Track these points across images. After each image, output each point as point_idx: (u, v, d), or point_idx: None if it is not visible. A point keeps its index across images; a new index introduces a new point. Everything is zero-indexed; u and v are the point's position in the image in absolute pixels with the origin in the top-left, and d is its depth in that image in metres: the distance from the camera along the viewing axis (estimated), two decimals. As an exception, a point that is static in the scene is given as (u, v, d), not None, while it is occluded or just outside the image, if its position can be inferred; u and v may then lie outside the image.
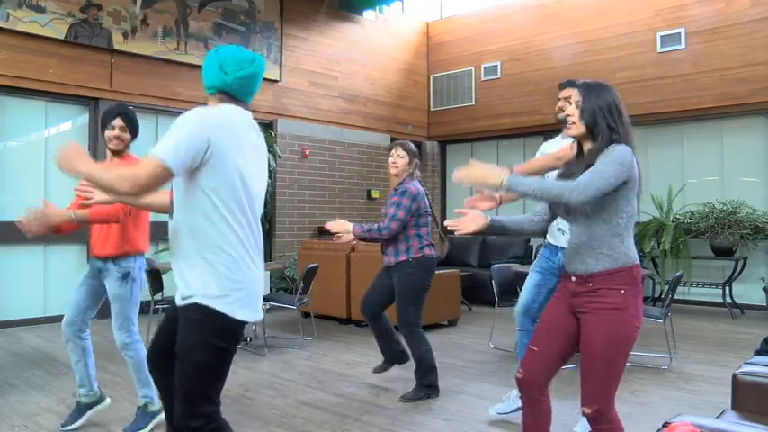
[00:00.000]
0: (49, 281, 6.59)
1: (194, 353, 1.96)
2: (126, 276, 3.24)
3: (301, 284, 5.56)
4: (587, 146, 2.28)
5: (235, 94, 2.13)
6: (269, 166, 7.79)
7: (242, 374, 4.51)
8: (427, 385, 3.95)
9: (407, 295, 3.91)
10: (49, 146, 6.62)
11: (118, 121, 3.28)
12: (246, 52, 2.17)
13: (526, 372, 2.31)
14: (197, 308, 1.97)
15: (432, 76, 10.71)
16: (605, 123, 2.21)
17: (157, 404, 3.30)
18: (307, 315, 6.20)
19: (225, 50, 2.15)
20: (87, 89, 6.79)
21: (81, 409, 3.36)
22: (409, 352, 4.05)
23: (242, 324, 2.04)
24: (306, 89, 8.93)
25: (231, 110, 2.09)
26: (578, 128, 2.25)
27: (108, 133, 3.28)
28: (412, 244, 3.91)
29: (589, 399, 2.15)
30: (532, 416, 2.34)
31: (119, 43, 6.95)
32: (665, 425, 1.75)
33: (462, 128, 10.30)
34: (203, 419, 1.95)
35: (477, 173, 2.15)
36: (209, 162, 1.95)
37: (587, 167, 2.15)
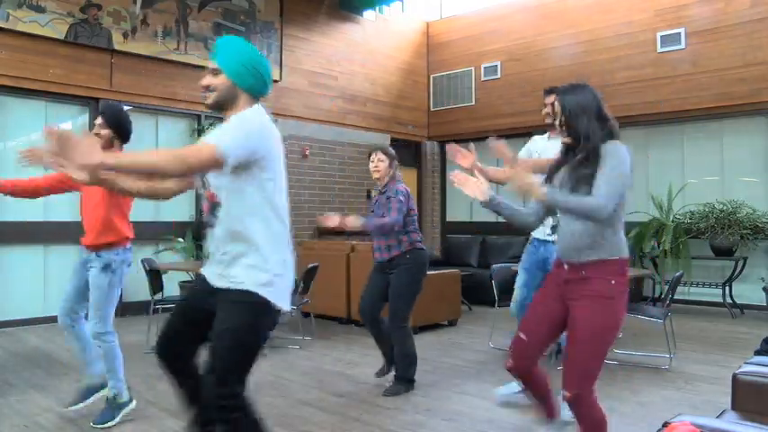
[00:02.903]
0: (49, 281, 6.59)
1: (238, 333, 2.10)
2: (106, 268, 3.26)
3: (301, 284, 5.56)
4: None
5: (259, 98, 2.28)
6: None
7: (242, 374, 4.50)
8: (408, 380, 4.09)
9: (403, 289, 4.03)
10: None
11: (98, 120, 3.33)
12: (268, 65, 2.28)
13: (515, 360, 2.42)
14: (246, 293, 2.11)
15: (432, 75, 10.71)
16: (585, 123, 2.27)
17: (126, 396, 3.38)
18: (307, 315, 6.21)
19: (263, 61, 2.24)
20: (87, 89, 6.79)
21: (88, 391, 3.46)
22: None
23: (279, 313, 2.20)
24: (306, 89, 8.93)
25: (265, 113, 2.23)
26: (566, 134, 2.35)
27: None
28: (403, 239, 4.07)
29: (570, 383, 2.22)
30: (533, 391, 2.48)
31: (119, 43, 6.95)
32: (665, 425, 1.75)
33: (462, 128, 10.30)
34: (235, 399, 2.09)
35: (522, 182, 2.25)
36: (261, 163, 2.11)
37: (580, 165, 2.25)
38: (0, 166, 6.35)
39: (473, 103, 10.13)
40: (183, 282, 6.90)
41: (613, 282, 2.24)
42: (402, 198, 4.03)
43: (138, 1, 7.07)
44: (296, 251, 8.73)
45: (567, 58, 8.90)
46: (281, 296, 2.17)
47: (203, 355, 2.22)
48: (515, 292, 3.90)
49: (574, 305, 2.27)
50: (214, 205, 2.20)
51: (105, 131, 3.31)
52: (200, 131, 7.62)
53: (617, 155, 2.22)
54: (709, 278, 7.71)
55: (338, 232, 8.41)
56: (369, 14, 9.77)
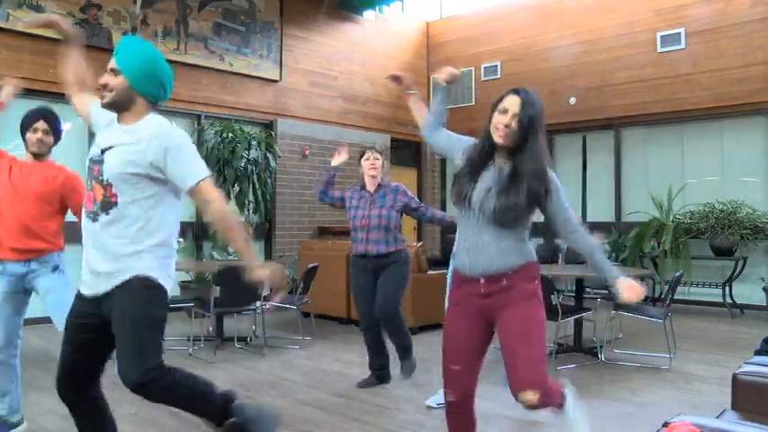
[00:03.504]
0: (49, 281, 6.58)
1: (133, 313, 2.13)
2: (56, 269, 3.20)
3: (301, 284, 5.56)
4: (504, 150, 2.24)
5: (157, 104, 2.33)
6: (269, 165, 7.81)
7: (242, 374, 4.51)
8: (411, 357, 4.23)
9: (400, 282, 4.17)
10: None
11: (41, 124, 3.21)
12: (169, 72, 2.35)
13: (457, 392, 2.41)
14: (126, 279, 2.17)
15: (432, 76, 10.67)
16: (534, 140, 2.19)
17: (17, 416, 3.19)
18: (307, 315, 6.20)
19: (165, 68, 2.29)
20: (87, 89, 6.78)
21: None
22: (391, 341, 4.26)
23: (163, 287, 2.24)
24: (306, 89, 8.93)
25: (167, 122, 2.31)
26: (512, 139, 2.19)
27: (30, 136, 3.20)
28: (399, 238, 4.22)
29: (528, 381, 2.17)
30: (458, 428, 2.51)
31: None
32: (665, 425, 1.75)
33: (462, 128, 10.17)
34: (155, 371, 2.08)
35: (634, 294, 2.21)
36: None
37: (513, 176, 2.19)
38: (0, 166, 6.37)
39: (473, 103, 10.12)
40: (184, 282, 6.91)
41: (536, 282, 2.28)
42: (405, 189, 4.28)
43: (138, 1, 7.07)
44: (296, 251, 8.70)
45: (567, 58, 8.89)
46: (160, 269, 2.19)
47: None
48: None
49: (504, 311, 2.24)
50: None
51: (50, 139, 3.26)
52: (200, 131, 7.62)
53: (560, 188, 2.26)
54: (709, 278, 7.71)
55: (338, 232, 8.42)
56: (369, 14, 9.76)
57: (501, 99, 2.25)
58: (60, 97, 6.81)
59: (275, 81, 8.48)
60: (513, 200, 2.16)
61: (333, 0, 9.24)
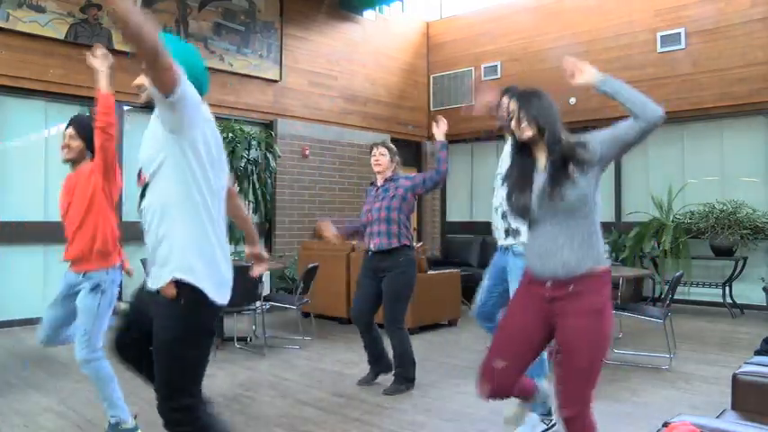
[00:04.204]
0: (49, 281, 6.58)
1: (171, 344, 2.03)
2: (96, 288, 3.10)
3: (301, 284, 5.56)
4: (538, 146, 2.26)
5: None
6: (269, 165, 7.81)
7: (242, 374, 4.51)
8: (409, 379, 4.14)
9: (399, 294, 4.11)
10: (48, 146, 6.61)
11: (68, 131, 3.20)
12: (205, 70, 2.33)
13: (494, 389, 2.27)
14: (170, 287, 2.04)
15: (432, 76, 10.71)
16: (547, 123, 2.21)
17: (131, 422, 3.12)
18: (307, 315, 6.20)
19: (201, 66, 2.27)
20: (87, 89, 6.75)
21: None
22: (391, 348, 4.21)
23: (216, 309, 2.11)
24: (306, 89, 8.93)
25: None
26: (530, 130, 2.22)
27: (60, 145, 3.22)
28: (402, 232, 4.13)
29: (572, 402, 2.13)
30: (519, 395, 2.42)
31: (119, 43, 6.94)
32: (665, 425, 1.75)
33: (462, 128, 10.28)
34: (182, 412, 2.01)
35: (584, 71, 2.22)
36: (191, 139, 2.07)
37: (558, 166, 2.16)
38: (0, 166, 6.36)
39: (473, 103, 10.12)
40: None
41: (605, 291, 2.17)
42: (409, 178, 4.23)
43: (137, 1, 7.07)
44: (296, 251, 8.69)
45: (567, 58, 8.88)
46: (211, 285, 2.01)
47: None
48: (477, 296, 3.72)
49: (565, 323, 2.15)
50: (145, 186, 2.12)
51: (77, 143, 3.20)
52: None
53: (594, 133, 2.19)
54: (709, 278, 7.71)
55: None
56: (369, 14, 9.76)
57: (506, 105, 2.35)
58: (60, 97, 6.86)
59: (275, 81, 8.48)
60: (563, 180, 2.12)
61: (333, 0, 9.24)
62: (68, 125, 3.25)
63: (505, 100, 3.31)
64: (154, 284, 2.05)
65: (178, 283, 1.98)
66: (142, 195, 2.10)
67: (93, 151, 3.20)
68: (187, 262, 1.99)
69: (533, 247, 2.24)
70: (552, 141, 2.18)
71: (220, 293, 2.05)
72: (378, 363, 4.26)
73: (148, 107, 2.16)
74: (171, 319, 1.99)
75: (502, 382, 2.26)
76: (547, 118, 2.20)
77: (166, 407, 2.00)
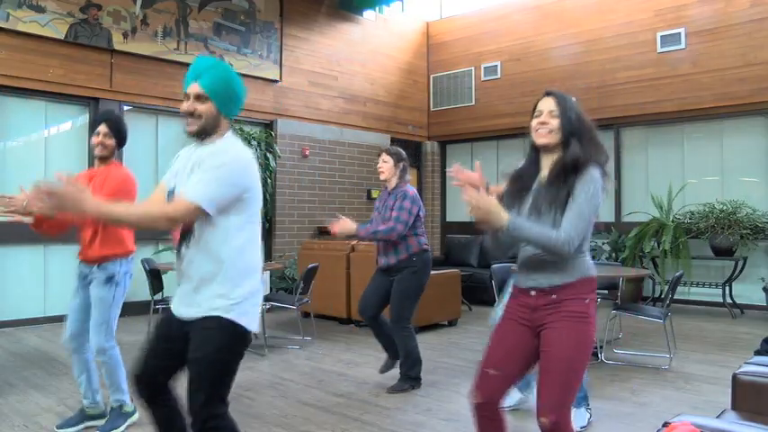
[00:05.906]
0: (49, 281, 6.59)
1: (212, 359, 2.11)
2: (110, 279, 3.19)
3: (301, 284, 5.56)
4: (550, 157, 2.22)
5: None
6: (269, 165, 7.81)
7: (242, 374, 4.48)
8: (414, 377, 4.13)
9: (409, 292, 4.09)
10: (49, 146, 6.61)
11: (102, 128, 3.27)
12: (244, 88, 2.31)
13: (486, 395, 2.24)
14: (216, 319, 2.11)
15: (432, 76, 10.71)
16: (578, 137, 2.17)
17: (131, 405, 3.33)
18: (307, 315, 6.20)
19: (240, 83, 2.25)
20: (87, 89, 6.78)
21: (81, 416, 3.36)
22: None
23: (250, 335, 2.23)
24: (306, 89, 8.93)
25: (238, 141, 2.24)
26: (554, 137, 2.18)
27: (93, 139, 3.30)
28: (411, 243, 4.09)
29: (549, 408, 2.11)
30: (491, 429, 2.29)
31: (119, 43, 6.95)
32: (665, 425, 1.75)
33: (462, 128, 10.31)
34: (217, 419, 2.09)
35: (483, 209, 2.06)
36: (243, 197, 2.11)
37: (556, 180, 2.14)
38: (0, 166, 6.36)
39: (473, 103, 10.13)
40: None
41: (587, 300, 2.17)
42: (408, 204, 4.03)
43: (138, 1, 7.07)
44: (296, 251, 8.71)
45: (567, 58, 8.90)
46: (250, 319, 2.16)
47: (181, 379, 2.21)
48: (496, 310, 3.72)
49: (548, 330, 2.16)
50: (185, 234, 2.15)
51: (111, 142, 3.27)
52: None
53: (594, 182, 2.09)
54: (709, 278, 7.71)
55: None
56: (369, 14, 9.76)
57: (535, 105, 2.24)
58: (60, 97, 6.86)
59: (275, 81, 8.48)
60: (556, 192, 2.11)
61: (333, 0, 9.24)
62: (101, 121, 3.31)
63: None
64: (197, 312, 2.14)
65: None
66: (185, 233, 2.15)
67: (120, 148, 3.40)
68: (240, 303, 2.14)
69: (520, 257, 2.27)
70: (572, 154, 2.14)
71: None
72: (391, 347, 4.23)
73: (200, 134, 2.17)
74: (219, 338, 2.11)
75: (492, 391, 2.25)
76: (572, 128, 2.16)
77: (206, 414, 2.04)
